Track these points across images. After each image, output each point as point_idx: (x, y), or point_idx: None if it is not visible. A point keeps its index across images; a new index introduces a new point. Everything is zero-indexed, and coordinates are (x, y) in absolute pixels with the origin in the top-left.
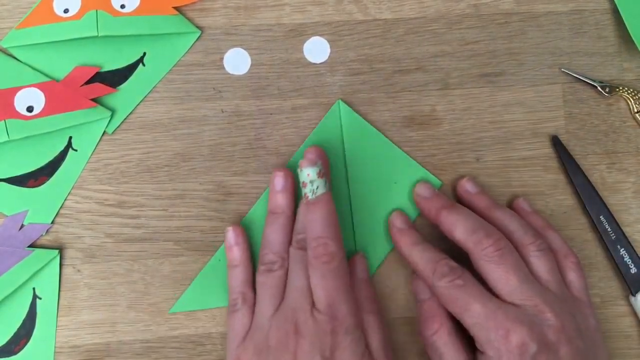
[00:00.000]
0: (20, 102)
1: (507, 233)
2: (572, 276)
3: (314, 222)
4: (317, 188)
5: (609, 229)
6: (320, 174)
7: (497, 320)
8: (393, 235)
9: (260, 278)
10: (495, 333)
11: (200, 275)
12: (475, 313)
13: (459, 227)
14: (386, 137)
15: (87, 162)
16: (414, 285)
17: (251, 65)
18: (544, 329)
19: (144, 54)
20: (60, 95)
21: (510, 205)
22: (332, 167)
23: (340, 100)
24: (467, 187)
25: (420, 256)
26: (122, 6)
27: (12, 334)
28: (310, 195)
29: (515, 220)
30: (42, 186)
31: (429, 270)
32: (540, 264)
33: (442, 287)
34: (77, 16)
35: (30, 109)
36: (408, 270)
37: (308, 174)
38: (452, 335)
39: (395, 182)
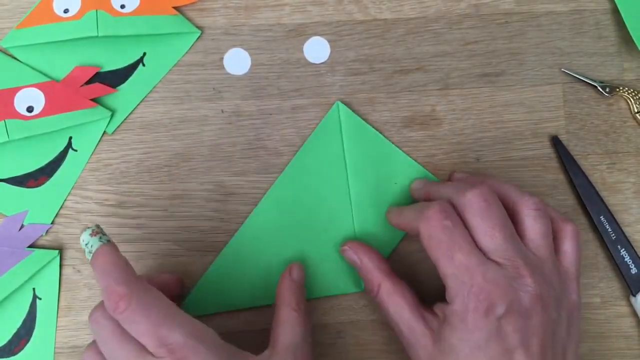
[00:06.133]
0: (20, 102)
1: (502, 195)
2: (568, 246)
3: (97, 277)
4: (92, 247)
5: (610, 229)
6: (94, 233)
7: (473, 276)
8: (388, 219)
9: None
10: (468, 288)
11: (201, 281)
12: (456, 262)
13: (446, 190)
14: (386, 137)
15: (87, 163)
16: (346, 254)
17: (251, 65)
18: (520, 293)
19: (144, 54)
20: (60, 95)
21: None
22: (332, 168)
23: (339, 102)
24: (458, 176)
25: (408, 210)
26: (122, 6)
27: (12, 334)
28: (88, 257)
29: (511, 185)
30: (42, 186)
31: (416, 214)
32: (534, 225)
33: (428, 227)
34: (77, 16)
35: (30, 109)
36: (410, 271)
37: (82, 240)
38: (392, 292)
39: (396, 182)
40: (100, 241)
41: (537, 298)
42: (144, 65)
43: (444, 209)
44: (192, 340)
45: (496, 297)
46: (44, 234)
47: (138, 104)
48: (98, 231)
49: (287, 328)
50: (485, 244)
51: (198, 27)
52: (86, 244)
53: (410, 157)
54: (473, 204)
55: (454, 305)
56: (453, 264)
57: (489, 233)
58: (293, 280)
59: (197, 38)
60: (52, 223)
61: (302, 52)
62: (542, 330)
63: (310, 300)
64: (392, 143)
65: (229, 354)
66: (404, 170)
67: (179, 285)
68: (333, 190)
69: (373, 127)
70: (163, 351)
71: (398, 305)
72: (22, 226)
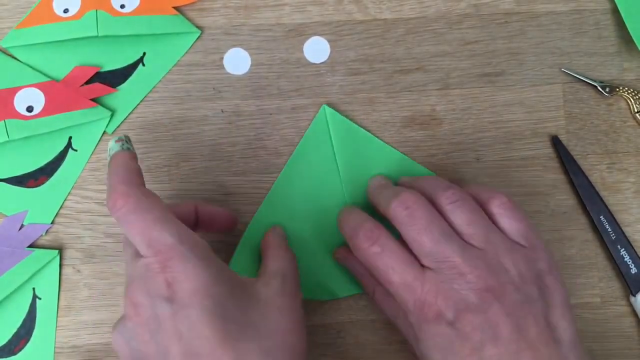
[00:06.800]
0: (20, 102)
1: (424, 194)
2: (504, 222)
3: (108, 177)
4: (112, 151)
5: (609, 229)
6: (119, 140)
7: (413, 292)
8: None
9: None
10: (412, 303)
11: None
12: (394, 284)
13: (380, 201)
14: (386, 137)
15: (87, 162)
16: (339, 261)
17: (251, 65)
18: (462, 292)
19: (144, 54)
20: (60, 95)
21: None
22: (325, 172)
23: (325, 105)
24: (401, 181)
25: (346, 221)
26: (122, 6)
27: (12, 334)
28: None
29: (430, 179)
30: (42, 186)
31: (350, 236)
32: (456, 217)
33: (361, 254)
34: (77, 16)
35: (30, 109)
36: None
37: (109, 146)
38: (386, 295)
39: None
40: (122, 148)
41: (485, 290)
42: (144, 65)
43: (368, 235)
44: (181, 245)
45: (439, 304)
46: (43, 233)
47: (138, 104)
48: (124, 139)
49: (275, 258)
50: (417, 251)
51: (198, 27)
52: (109, 149)
53: (410, 157)
54: (397, 215)
55: (411, 320)
56: (393, 285)
57: (417, 240)
58: (275, 232)
59: (197, 38)
60: (52, 223)
61: (302, 52)
62: (507, 315)
63: (310, 301)
64: (388, 143)
65: (217, 265)
66: (397, 167)
67: (227, 220)
68: (328, 194)
69: (373, 127)
70: (150, 252)
71: (394, 308)
72: (22, 226)
